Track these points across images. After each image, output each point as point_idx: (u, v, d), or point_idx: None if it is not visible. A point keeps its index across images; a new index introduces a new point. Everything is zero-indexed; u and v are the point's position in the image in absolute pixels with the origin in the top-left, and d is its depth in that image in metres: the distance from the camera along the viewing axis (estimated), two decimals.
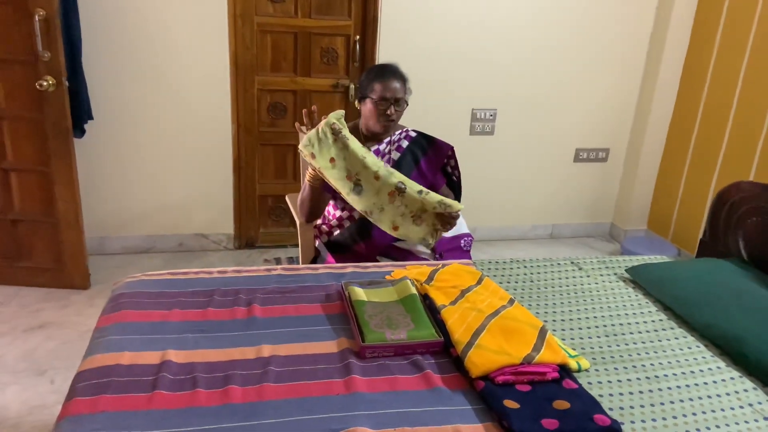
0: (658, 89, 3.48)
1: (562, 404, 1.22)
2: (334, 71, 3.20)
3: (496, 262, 2.01)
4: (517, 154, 3.55)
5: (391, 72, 1.99)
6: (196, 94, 2.99)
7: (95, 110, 2.87)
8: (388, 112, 1.96)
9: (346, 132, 1.82)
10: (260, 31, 3.04)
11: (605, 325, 1.64)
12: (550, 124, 3.53)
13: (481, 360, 1.31)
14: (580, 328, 1.62)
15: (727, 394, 1.36)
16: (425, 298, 1.62)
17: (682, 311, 1.69)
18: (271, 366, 1.33)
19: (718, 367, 1.46)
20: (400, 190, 1.83)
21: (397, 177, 1.84)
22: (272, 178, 3.31)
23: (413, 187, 1.83)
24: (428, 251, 2.10)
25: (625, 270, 1.97)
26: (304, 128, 1.95)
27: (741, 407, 1.32)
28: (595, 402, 1.24)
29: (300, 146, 1.83)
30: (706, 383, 1.40)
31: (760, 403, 1.34)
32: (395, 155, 2.08)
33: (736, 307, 1.63)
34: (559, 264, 2.02)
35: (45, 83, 2.40)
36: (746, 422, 1.27)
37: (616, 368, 1.43)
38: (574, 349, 1.49)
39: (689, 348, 1.55)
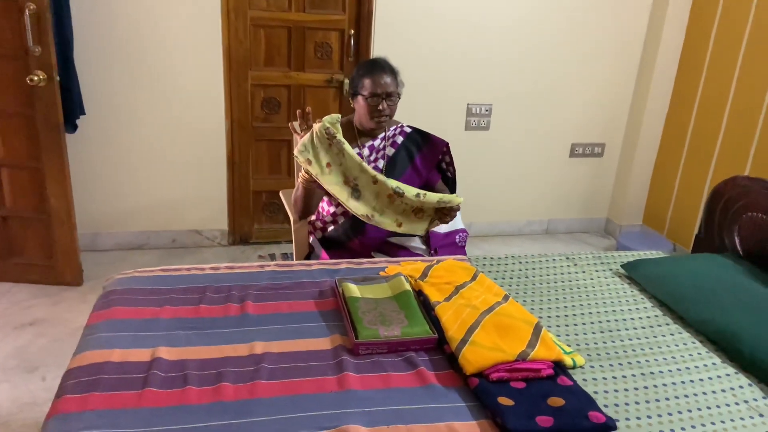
0: (654, 84, 3.47)
1: (556, 401, 1.21)
2: (328, 66, 3.17)
3: (491, 258, 2.00)
4: (513, 150, 3.54)
5: (380, 67, 1.97)
6: (190, 89, 2.97)
7: (87, 106, 2.84)
8: (380, 107, 1.94)
9: (340, 137, 1.80)
10: (253, 26, 3.01)
11: (600, 321, 1.63)
12: (545, 119, 3.52)
13: (475, 357, 1.30)
14: (575, 324, 1.61)
15: (723, 391, 1.35)
16: (419, 294, 1.61)
17: (678, 307, 1.69)
18: (264, 363, 1.32)
19: (714, 364, 1.46)
20: (398, 194, 1.82)
21: (394, 183, 1.83)
22: (266, 173, 3.29)
23: (410, 191, 1.83)
24: (423, 247, 2.09)
25: (621, 265, 1.97)
26: (297, 126, 1.93)
27: (736, 404, 1.31)
28: (590, 399, 1.23)
29: (295, 152, 1.80)
30: (701, 380, 1.39)
31: (755, 399, 1.33)
32: (390, 151, 2.06)
33: (732, 303, 1.62)
34: (553, 260, 2.02)
35: (36, 78, 2.37)
36: (741, 419, 1.26)
37: (611, 365, 1.42)
38: (569, 346, 1.48)
39: (684, 344, 1.54)
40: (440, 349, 1.41)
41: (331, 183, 1.80)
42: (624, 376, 1.38)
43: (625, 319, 1.65)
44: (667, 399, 1.31)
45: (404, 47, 3.12)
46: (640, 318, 1.67)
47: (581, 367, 1.40)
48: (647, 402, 1.29)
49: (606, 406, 1.27)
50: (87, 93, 2.83)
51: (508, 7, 3.22)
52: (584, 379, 1.35)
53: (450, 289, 1.60)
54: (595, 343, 1.52)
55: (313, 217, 2.12)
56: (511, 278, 1.86)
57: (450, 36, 3.19)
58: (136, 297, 1.56)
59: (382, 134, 2.08)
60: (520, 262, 1.98)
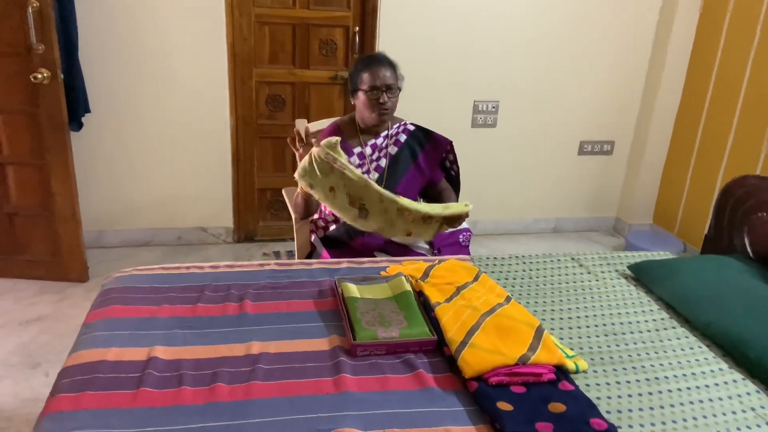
0: (664, 81, 3.40)
1: (557, 407, 1.19)
2: (333, 63, 3.15)
3: (494, 258, 1.97)
4: (520, 147, 3.50)
5: (378, 60, 1.94)
6: (194, 86, 2.96)
7: (92, 103, 2.84)
8: (381, 100, 1.91)
9: (343, 161, 1.71)
10: (258, 23, 2.99)
11: (605, 324, 1.60)
12: (553, 117, 3.47)
13: (474, 360, 1.28)
14: (579, 327, 1.57)
15: (729, 398, 1.31)
16: (420, 295, 1.58)
17: (684, 310, 1.65)
18: (260, 363, 1.30)
19: (720, 369, 1.42)
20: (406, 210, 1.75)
21: (404, 201, 1.73)
22: (271, 171, 3.27)
23: (419, 209, 1.74)
24: (426, 246, 2.06)
25: (627, 266, 1.93)
26: (296, 142, 1.87)
27: (743, 411, 1.27)
28: (592, 405, 1.21)
29: (296, 176, 1.74)
30: (707, 386, 1.35)
31: (762, 407, 1.29)
32: (393, 149, 2.04)
33: (740, 306, 1.57)
34: (558, 260, 1.98)
35: (39, 76, 2.37)
36: (748, 427, 1.22)
37: (615, 369, 1.39)
38: (572, 349, 1.45)
39: (691, 349, 1.51)
40: (440, 351, 1.39)
41: (337, 207, 1.74)
42: (628, 382, 1.35)
43: (630, 322, 1.61)
44: (672, 406, 1.27)
45: (409, 44, 3.09)
46: (646, 321, 1.63)
47: (584, 371, 1.37)
48: (651, 408, 1.26)
49: (608, 412, 1.24)
50: (92, 91, 2.83)
51: (515, 2, 3.18)
52: (587, 384, 1.32)
53: (451, 290, 1.57)
54: (599, 347, 1.48)
55: (316, 216, 2.10)
56: (515, 279, 1.83)
57: (455, 32, 3.15)
58: (134, 295, 1.55)
59: (385, 132, 2.05)
60: (524, 263, 1.95)
